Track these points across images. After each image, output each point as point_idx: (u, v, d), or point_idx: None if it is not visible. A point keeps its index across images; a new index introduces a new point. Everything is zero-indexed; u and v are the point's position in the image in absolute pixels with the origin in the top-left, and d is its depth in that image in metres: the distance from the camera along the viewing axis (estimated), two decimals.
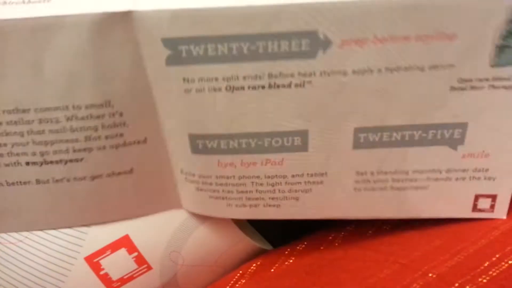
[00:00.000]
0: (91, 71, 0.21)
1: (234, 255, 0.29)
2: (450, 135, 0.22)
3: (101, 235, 0.26)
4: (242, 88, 0.21)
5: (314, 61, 0.21)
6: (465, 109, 0.22)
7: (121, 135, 0.23)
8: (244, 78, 0.21)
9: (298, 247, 0.29)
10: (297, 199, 0.25)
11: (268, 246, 0.30)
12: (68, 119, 0.22)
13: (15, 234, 0.26)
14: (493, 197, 0.24)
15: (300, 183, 0.24)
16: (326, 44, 0.20)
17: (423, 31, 0.20)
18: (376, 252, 0.25)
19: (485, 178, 0.23)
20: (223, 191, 0.25)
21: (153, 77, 0.21)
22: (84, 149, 0.23)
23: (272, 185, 0.25)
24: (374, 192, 0.24)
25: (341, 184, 0.24)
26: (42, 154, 0.23)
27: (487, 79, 0.21)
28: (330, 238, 0.28)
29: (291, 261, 0.28)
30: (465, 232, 0.24)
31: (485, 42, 0.20)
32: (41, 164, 0.23)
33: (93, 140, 0.23)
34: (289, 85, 0.21)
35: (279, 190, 0.25)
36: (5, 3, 0.20)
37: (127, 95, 0.22)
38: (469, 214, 0.24)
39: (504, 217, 0.24)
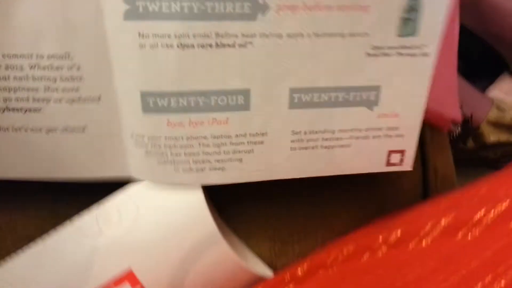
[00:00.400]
0: (56, 22, 0.24)
1: (235, 285, 0.30)
2: (367, 97, 0.27)
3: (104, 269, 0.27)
4: (192, 46, 0.25)
5: (255, 23, 0.24)
6: (379, 74, 0.26)
7: (77, 89, 0.25)
8: (194, 36, 0.24)
9: (297, 273, 0.29)
10: (240, 160, 0.28)
11: (268, 274, 0.31)
12: (31, 67, 0.24)
13: None
14: (402, 152, 0.28)
15: (243, 143, 0.27)
16: (264, 7, 0.24)
17: (343, 2, 0.24)
18: (373, 275, 0.26)
19: (396, 136, 0.27)
20: (171, 154, 0.27)
21: (111, 31, 0.24)
22: (43, 100, 0.25)
23: (218, 145, 0.27)
24: (307, 151, 0.28)
25: (279, 144, 0.27)
26: (5, 100, 0.25)
27: (395, 47, 0.26)
28: (328, 262, 0.28)
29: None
30: (458, 254, 0.24)
31: (392, 15, 0.25)
32: (3, 110, 0.25)
33: (51, 91, 0.25)
34: (233, 45, 0.25)
35: (224, 152, 0.27)
36: None
37: (85, 49, 0.24)
38: (383, 168, 0.28)
39: (410, 168, 0.28)
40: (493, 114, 0.42)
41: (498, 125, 0.42)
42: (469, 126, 0.40)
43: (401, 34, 0.25)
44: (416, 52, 0.26)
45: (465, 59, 0.33)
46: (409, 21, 0.25)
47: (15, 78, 0.25)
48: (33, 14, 0.23)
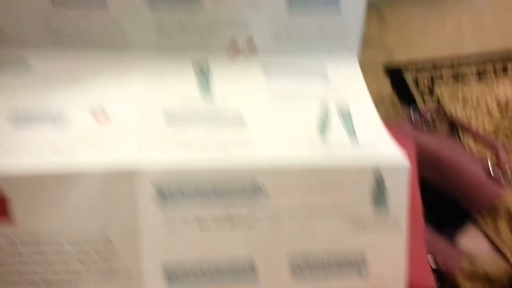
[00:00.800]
0: (97, 211, 0.29)
1: None
2: (356, 265, 0.31)
3: None
4: (209, 227, 0.30)
5: (260, 205, 0.30)
6: (363, 244, 0.31)
7: (110, 268, 0.29)
8: (211, 218, 0.30)
9: None
10: None
11: None
12: (69, 243, 0.29)
13: None
14: None
15: None
16: (266, 193, 0.30)
17: (325, 185, 0.31)
18: None
19: None
20: None
21: (142, 217, 0.29)
22: (76, 272, 0.29)
23: None
24: None
25: None
26: (41, 273, 0.28)
27: (373, 220, 0.31)
28: None
29: None
30: None
31: (365, 193, 0.31)
32: (39, 283, 0.29)
33: (84, 264, 0.29)
34: (242, 225, 0.30)
35: None
36: (41, 149, 0.29)
37: (119, 227, 0.29)
38: None
39: None
40: (466, 267, 0.47)
41: (472, 277, 0.45)
42: (444, 278, 0.44)
43: (375, 209, 0.31)
44: (390, 224, 0.31)
45: (430, 210, 0.38)
46: (379, 199, 0.31)
47: (52, 252, 0.29)
48: (79, 201, 0.29)
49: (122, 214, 0.29)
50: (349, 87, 0.36)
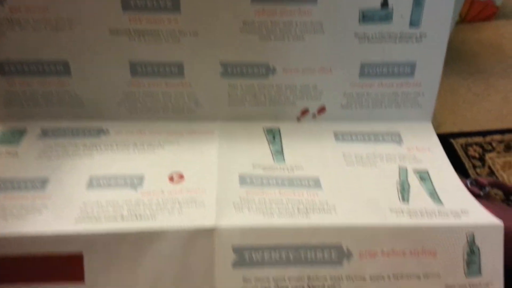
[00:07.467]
0: (174, 270, 0.28)
1: None
2: None
3: None
4: (285, 283, 0.28)
5: (341, 268, 0.28)
6: None
7: None
8: (289, 279, 0.28)
9: None
10: None
11: None
12: None
13: None
14: None
15: None
16: (349, 255, 0.28)
17: (414, 247, 0.29)
18: None
19: None
20: None
21: (219, 277, 0.28)
22: None
23: None
24: None
25: None
26: None
27: (465, 286, 0.29)
28: None
29: None
30: None
31: (457, 258, 0.29)
32: None
33: None
34: (324, 287, 0.28)
35: None
36: (122, 217, 0.29)
37: None
38: None
39: None
40: None
41: None
42: None
43: (468, 275, 0.29)
44: None
45: None
46: (473, 264, 0.29)
47: None
48: (156, 266, 0.28)
49: (198, 274, 0.28)
50: (426, 152, 0.36)
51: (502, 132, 0.63)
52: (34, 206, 0.29)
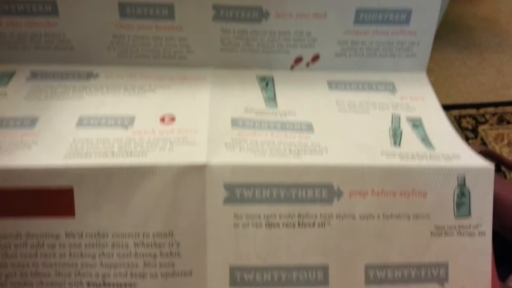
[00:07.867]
0: (165, 207, 0.28)
1: None
2: (437, 273, 0.29)
3: None
4: (278, 225, 0.28)
5: (331, 206, 0.28)
6: (445, 252, 0.29)
7: (173, 264, 0.28)
8: (280, 216, 0.28)
9: None
10: None
11: None
12: (135, 244, 0.27)
13: None
14: None
15: None
16: (339, 194, 0.28)
17: (404, 188, 0.29)
18: None
19: None
20: None
21: (210, 214, 0.28)
22: (140, 275, 0.27)
23: None
24: None
25: None
26: (103, 276, 0.27)
27: (455, 227, 0.29)
28: None
29: None
30: None
31: (448, 200, 0.29)
32: (100, 285, 0.27)
33: (150, 267, 0.27)
34: (313, 224, 0.28)
35: None
36: (112, 153, 0.28)
37: (186, 228, 0.28)
38: None
39: None
40: None
41: None
42: None
43: (457, 216, 0.29)
44: (474, 232, 0.29)
45: None
46: (463, 205, 0.29)
47: (118, 255, 0.27)
48: (146, 202, 0.28)
49: (189, 211, 0.28)
50: (419, 101, 0.36)
51: (495, 105, 0.64)
52: (23, 142, 0.29)
